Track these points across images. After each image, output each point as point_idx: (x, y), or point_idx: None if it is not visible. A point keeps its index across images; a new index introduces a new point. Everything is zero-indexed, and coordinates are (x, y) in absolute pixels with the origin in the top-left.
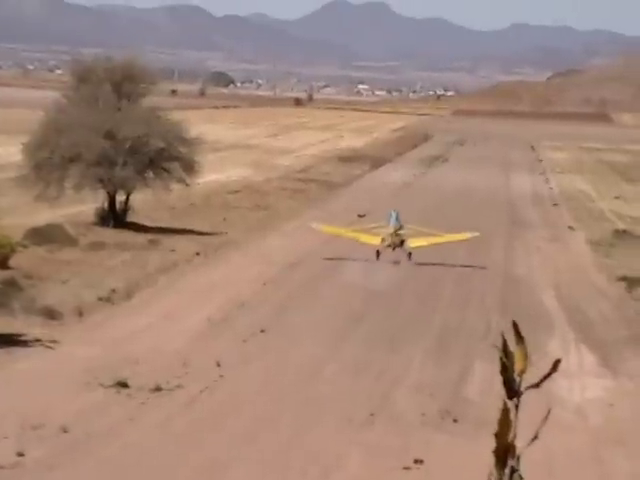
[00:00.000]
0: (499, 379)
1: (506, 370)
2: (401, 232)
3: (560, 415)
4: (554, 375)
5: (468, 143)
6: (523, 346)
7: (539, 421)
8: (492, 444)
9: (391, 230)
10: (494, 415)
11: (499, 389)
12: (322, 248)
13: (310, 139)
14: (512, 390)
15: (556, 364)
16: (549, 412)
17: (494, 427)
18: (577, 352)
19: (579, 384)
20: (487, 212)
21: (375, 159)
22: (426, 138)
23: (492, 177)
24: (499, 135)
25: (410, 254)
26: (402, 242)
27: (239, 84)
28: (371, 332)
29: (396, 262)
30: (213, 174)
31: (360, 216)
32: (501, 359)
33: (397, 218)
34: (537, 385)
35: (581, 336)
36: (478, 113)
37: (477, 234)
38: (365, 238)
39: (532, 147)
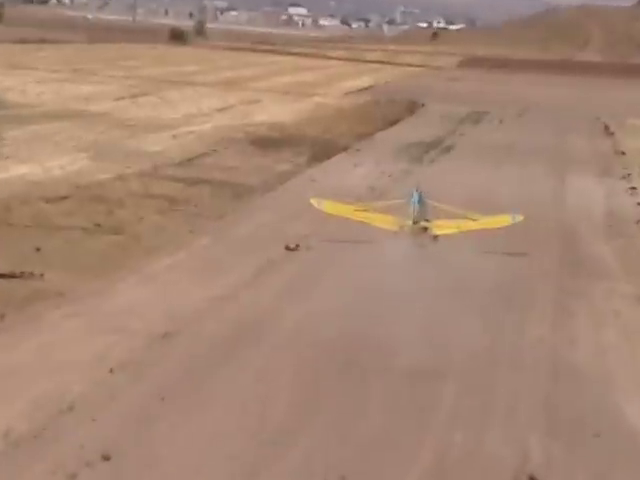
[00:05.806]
0: None
1: None
2: (424, 223)
3: None
4: None
5: (489, 119)
6: None
7: None
8: None
9: (410, 220)
10: None
11: None
12: (216, 304)
13: (201, 105)
14: None
15: None
16: None
17: None
18: None
19: None
20: (524, 247)
21: (319, 144)
22: (412, 108)
23: (532, 182)
24: (546, 105)
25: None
26: (425, 229)
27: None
28: (304, 464)
29: None
30: (19, 165)
31: (289, 249)
32: None
33: (419, 201)
34: None
35: None
36: (507, 64)
37: (521, 218)
38: (380, 221)
39: (607, 128)
